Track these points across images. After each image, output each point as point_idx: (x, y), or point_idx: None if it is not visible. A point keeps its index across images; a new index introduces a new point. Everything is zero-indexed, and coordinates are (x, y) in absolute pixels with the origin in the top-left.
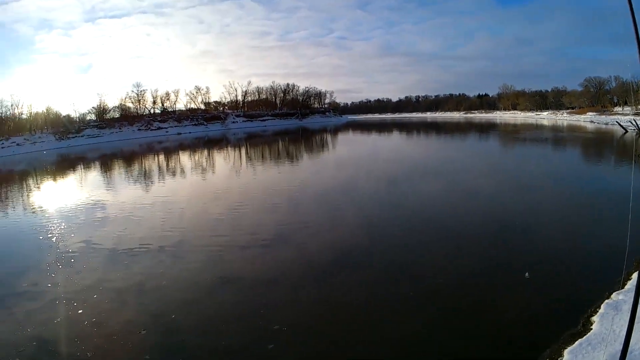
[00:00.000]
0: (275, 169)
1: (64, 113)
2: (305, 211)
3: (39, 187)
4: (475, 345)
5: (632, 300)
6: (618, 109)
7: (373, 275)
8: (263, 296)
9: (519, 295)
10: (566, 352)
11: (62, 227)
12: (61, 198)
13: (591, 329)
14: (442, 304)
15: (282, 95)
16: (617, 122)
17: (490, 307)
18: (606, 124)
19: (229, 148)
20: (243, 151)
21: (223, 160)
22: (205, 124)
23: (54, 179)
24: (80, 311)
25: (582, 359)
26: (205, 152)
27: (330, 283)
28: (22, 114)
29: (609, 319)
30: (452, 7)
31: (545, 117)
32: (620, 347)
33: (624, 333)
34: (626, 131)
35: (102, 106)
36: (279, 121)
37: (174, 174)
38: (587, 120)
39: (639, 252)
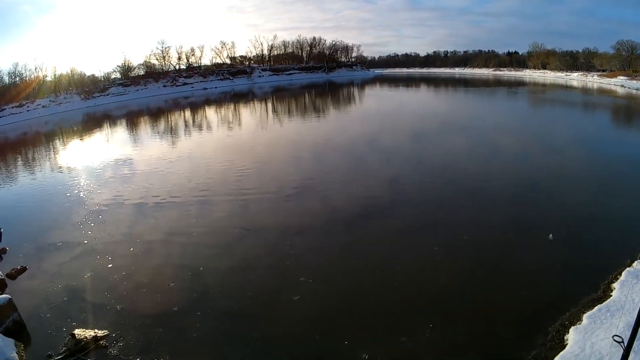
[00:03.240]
0: (302, 123)
1: (88, 73)
2: (332, 164)
3: (65, 147)
4: (496, 301)
5: None
6: None
7: (398, 228)
8: (289, 247)
9: (542, 256)
10: (585, 316)
11: (91, 184)
12: (88, 156)
13: (611, 295)
14: (466, 260)
15: (308, 49)
16: None
17: (513, 266)
18: (637, 89)
19: (255, 102)
20: (269, 105)
21: (249, 114)
22: (232, 78)
23: (81, 138)
24: (110, 265)
25: (601, 324)
26: (232, 106)
27: (355, 234)
28: (46, 76)
29: (628, 287)
30: None
31: (575, 79)
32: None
33: None
34: None
35: (126, 64)
36: (306, 75)
37: (200, 128)
38: (618, 84)
39: None
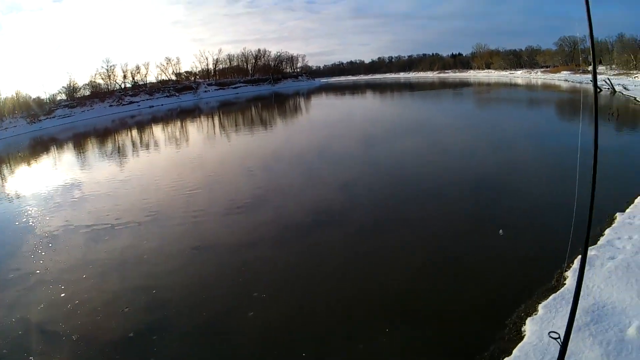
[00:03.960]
0: (249, 136)
1: (33, 95)
2: (282, 175)
3: (13, 173)
4: (452, 297)
5: (605, 255)
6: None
7: (351, 232)
8: (242, 262)
9: (496, 251)
10: (541, 306)
11: (41, 210)
12: (36, 182)
13: (565, 284)
14: (420, 259)
15: (253, 61)
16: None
17: (467, 262)
18: (580, 82)
19: (202, 117)
20: (216, 120)
21: (196, 130)
22: (177, 94)
23: (28, 163)
24: (63, 294)
25: (556, 312)
26: (179, 123)
27: (308, 243)
28: None
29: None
30: None
31: (519, 76)
32: (593, 301)
33: (596, 288)
34: (600, 90)
35: (72, 85)
36: (252, 87)
37: (147, 147)
38: (562, 78)
39: (613, 210)
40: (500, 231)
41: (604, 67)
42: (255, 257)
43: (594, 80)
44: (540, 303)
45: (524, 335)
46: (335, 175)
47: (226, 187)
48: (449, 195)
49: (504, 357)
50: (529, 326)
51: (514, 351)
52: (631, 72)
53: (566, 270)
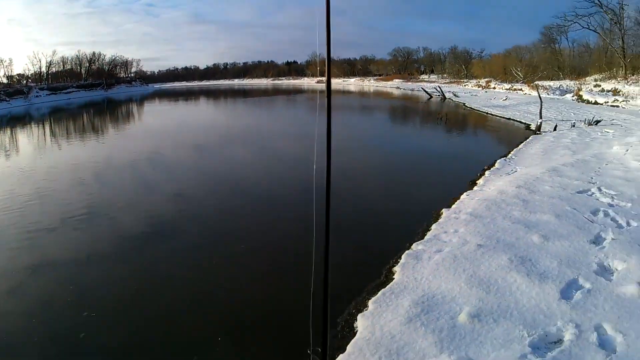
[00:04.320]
0: (81, 145)
1: None
2: (116, 186)
3: None
4: (285, 302)
5: (432, 249)
6: (424, 76)
7: (186, 242)
8: (72, 281)
9: (320, 255)
10: (371, 302)
11: None
12: None
13: (393, 278)
14: (253, 266)
15: (87, 65)
16: (422, 88)
17: (300, 264)
18: (412, 90)
19: (32, 125)
20: (47, 128)
21: (26, 139)
22: (8, 99)
23: None
24: None
25: (387, 306)
26: (8, 131)
27: (142, 255)
28: None
29: (409, 268)
30: None
31: (352, 83)
32: (423, 293)
33: (424, 280)
34: (431, 97)
35: None
36: (85, 93)
37: None
38: (394, 86)
39: (440, 206)
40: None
41: (436, 76)
42: (87, 275)
43: (328, 88)
44: (370, 299)
45: (357, 331)
46: (168, 186)
47: (58, 201)
48: (283, 201)
49: (339, 354)
50: (361, 322)
51: (348, 347)
52: (462, 80)
53: (394, 266)
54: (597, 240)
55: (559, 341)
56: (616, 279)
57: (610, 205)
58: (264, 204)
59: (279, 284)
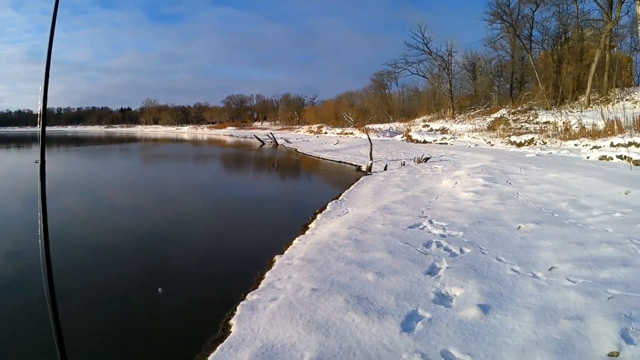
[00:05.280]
0: None
1: None
2: None
3: None
4: None
5: (266, 298)
6: (257, 123)
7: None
8: None
9: (158, 311)
10: (210, 359)
11: None
12: None
13: (230, 332)
14: (90, 327)
15: None
16: (254, 135)
17: (130, 324)
18: (245, 137)
19: None
20: None
21: None
22: None
23: None
24: None
25: None
26: None
27: None
28: None
29: (245, 319)
30: (105, 18)
31: (186, 131)
32: (262, 344)
33: (262, 330)
34: (263, 143)
35: None
36: None
37: None
38: (227, 133)
39: (273, 252)
40: (160, 289)
41: (269, 123)
42: None
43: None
44: (209, 356)
45: None
46: None
47: None
48: (113, 256)
49: None
50: None
51: None
52: (294, 126)
53: (230, 319)
54: (432, 271)
55: None
56: (455, 304)
57: (443, 236)
58: None
59: None
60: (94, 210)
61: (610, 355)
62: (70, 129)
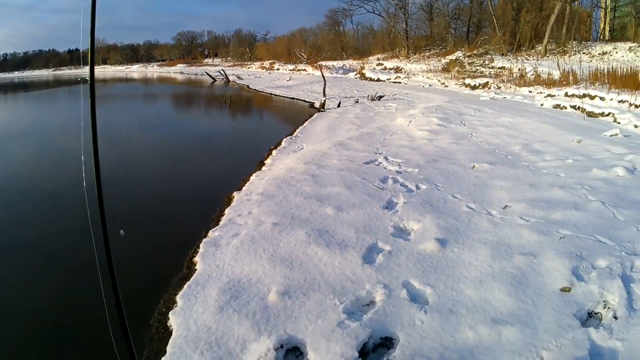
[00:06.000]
0: None
1: None
2: None
3: None
4: (93, 307)
5: (228, 234)
6: (209, 60)
7: None
8: None
9: (119, 256)
10: (178, 297)
11: None
12: None
13: (196, 269)
14: (34, 278)
15: None
16: (206, 72)
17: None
18: (196, 74)
19: None
20: None
21: None
22: None
23: None
24: None
25: (195, 299)
26: None
27: None
28: None
29: (210, 256)
30: None
31: (135, 70)
32: (228, 280)
33: (227, 266)
34: (214, 80)
35: None
36: None
37: None
38: (177, 71)
39: (231, 189)
40: (121, 231)
41: (220, 60)
42: None
43: None
44: (177, 294)
45: (172, 330)
46: None
47: None
48: (58, 200)
49: (161, 357)
50: (173, 320)
51: (168, 348)
52: (246, 63)
53: (194, 257)
54: (389, 206)
55: (371, 303)
56: (414, 238)
57: (399, 172)
58: (31, 208)
59: (69, 295)
60: (46, 157)
61: (563, 290)
62: (17, 75)
